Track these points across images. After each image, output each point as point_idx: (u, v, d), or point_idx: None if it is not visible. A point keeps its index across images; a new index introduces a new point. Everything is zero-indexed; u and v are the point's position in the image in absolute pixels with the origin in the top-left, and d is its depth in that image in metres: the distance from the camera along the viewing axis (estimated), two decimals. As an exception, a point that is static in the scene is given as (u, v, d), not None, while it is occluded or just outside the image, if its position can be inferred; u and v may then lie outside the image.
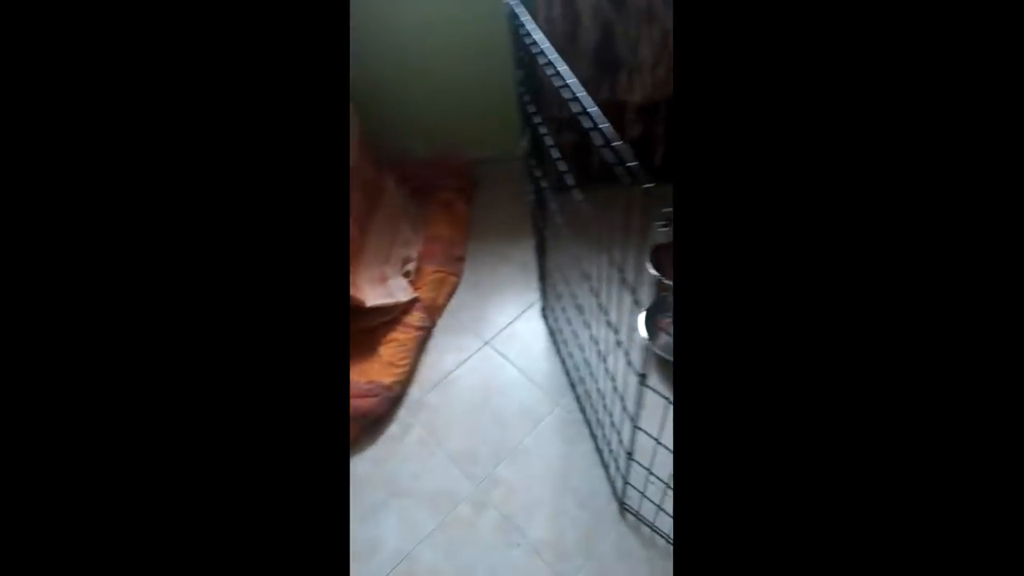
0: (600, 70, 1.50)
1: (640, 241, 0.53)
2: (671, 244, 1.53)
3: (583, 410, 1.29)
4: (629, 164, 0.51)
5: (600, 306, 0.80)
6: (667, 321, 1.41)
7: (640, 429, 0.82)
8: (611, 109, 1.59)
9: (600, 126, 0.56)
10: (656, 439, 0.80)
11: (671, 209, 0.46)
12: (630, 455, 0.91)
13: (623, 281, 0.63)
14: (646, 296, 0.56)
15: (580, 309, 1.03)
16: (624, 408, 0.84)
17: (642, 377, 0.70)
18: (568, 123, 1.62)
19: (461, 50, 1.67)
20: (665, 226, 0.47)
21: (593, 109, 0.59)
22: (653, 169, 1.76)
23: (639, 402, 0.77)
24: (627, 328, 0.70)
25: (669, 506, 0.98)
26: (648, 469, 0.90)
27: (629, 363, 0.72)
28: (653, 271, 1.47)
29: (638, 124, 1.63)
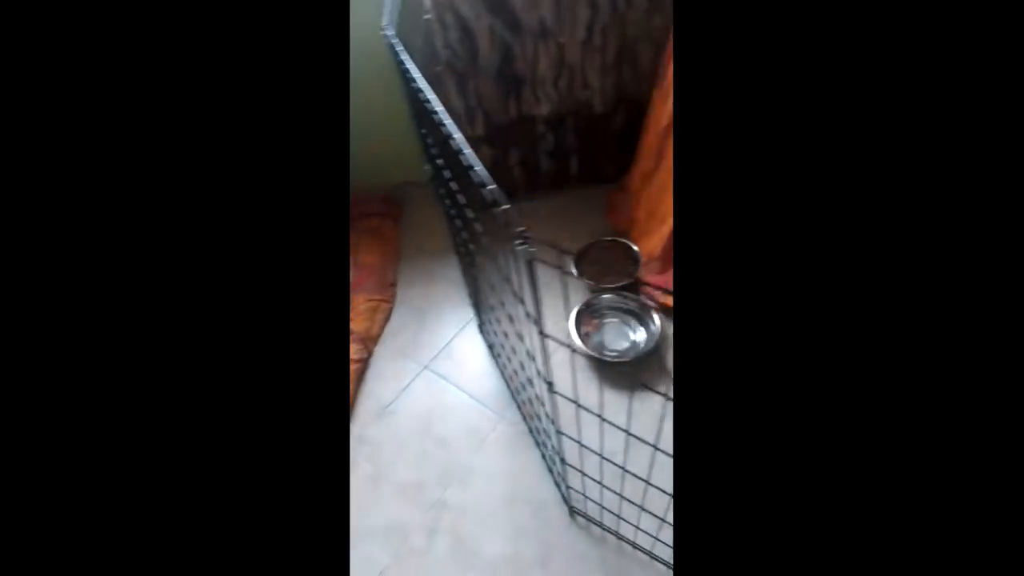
0: (505, 87, 1.55)
1: (513, 259, 0.55)
2: (595, 247, 1.59)
3: (526, 419, 1.30)
4: (489, 188, 0.53)
5: (510, 317, 0.82)
6: (596, 322, 1.46)
7: (563, 434, 0.84)
8: (521, 124, 1.63)
9: (464, 151, 0.59)
10: (579, 442, 0.83)
11: (524, 229, 0.49)
12: (563, 460, 0.93)
13: (513, 294, 0.65)
14: (534, 305, 0.58)
15: (498, 321, 1.05)
16: (546, 414, 0.86)
17: (549, 385, 0.72)
18: (484, 139, 1.66)
19: (371, 77, 1.68)
20: (523, 244, 0.49)
21: (458, 135, 0.61)
22: (568, 180, 1.82)
23: (555, 409, 0.79)
24: (533, 336, 0.71)
25: (608, 503, 1.01)
26: (580, 471, 0.92)
27: (538, 372, 0.74)
28: (575, 274, 1.52)
29: (549, 137, 1.68)
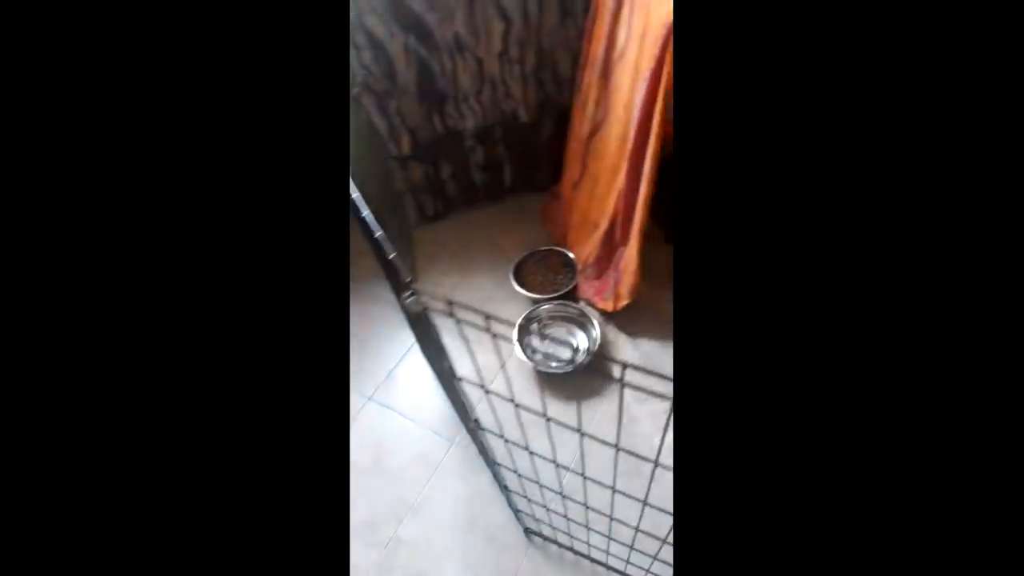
0: (428, 103, 1.52)
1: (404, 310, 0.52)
2: (533, 257, 1.58)
3: (474, 440, 1.28)
4: (376, 235, 0.50)
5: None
6: (538, 333, 1.45)
7: (499, 465, 0.82)
8: (449, 139, 1.61)
9: (353, 196, 0.56)
10: (515, 471, 0.81)
11: (411, 279, 0.46)
12: (506, 487, 0.91)
13: (420, 320, 0.62)
14: (442, 350, 0.56)
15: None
16: (480, 443, 0.84)
17: (476, 422, 0.70)
18: (412, 157, 1.62)
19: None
20: (412, 295, 0.46)
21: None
22: (504, 190, 1.81)
23: (484, 442, 0.77)
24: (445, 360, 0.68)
25: (558, 522, 1.00)
26: (525, 496, 0.91)
27: (467, 406, 0.72)
28: (518, 287, 1.51)
29: (479, 149, 1.66)
